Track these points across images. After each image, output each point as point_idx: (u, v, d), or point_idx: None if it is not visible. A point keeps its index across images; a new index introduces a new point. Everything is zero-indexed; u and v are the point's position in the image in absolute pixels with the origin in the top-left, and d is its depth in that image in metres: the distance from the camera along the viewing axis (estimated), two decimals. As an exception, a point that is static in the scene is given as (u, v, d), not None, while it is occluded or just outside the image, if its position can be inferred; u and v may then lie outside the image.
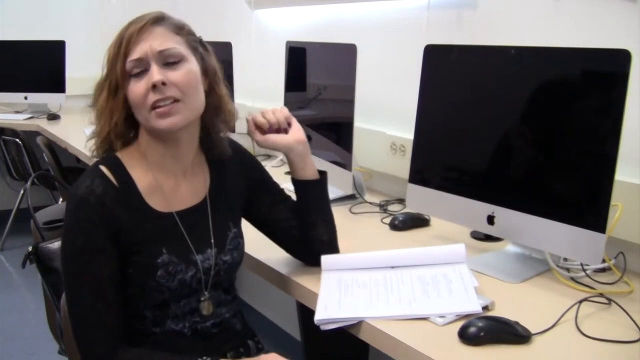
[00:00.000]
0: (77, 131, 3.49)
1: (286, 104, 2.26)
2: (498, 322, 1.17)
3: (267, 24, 2.96)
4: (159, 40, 1.19)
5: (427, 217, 1.83)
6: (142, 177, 1.24)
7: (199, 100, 1.24)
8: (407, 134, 1.90)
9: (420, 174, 1.68)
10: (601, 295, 1.32)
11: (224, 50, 2.48)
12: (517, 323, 1.16)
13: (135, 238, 1.20)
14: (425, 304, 1.24)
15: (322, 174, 1.43)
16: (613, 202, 1.27)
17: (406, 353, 1.13)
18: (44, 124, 3.82)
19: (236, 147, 1.40)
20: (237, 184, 1.38)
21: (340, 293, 1.31)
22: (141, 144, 1.26)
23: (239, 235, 1.36)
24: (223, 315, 1.31)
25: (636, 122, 1.39)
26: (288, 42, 2.35)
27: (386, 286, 1.32)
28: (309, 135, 2.17)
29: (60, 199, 3.36)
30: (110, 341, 1.17)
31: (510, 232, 1.48)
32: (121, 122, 1.22)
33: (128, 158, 1.25)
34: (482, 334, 1.13)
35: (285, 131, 1.40)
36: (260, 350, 1.37)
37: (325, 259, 1.41)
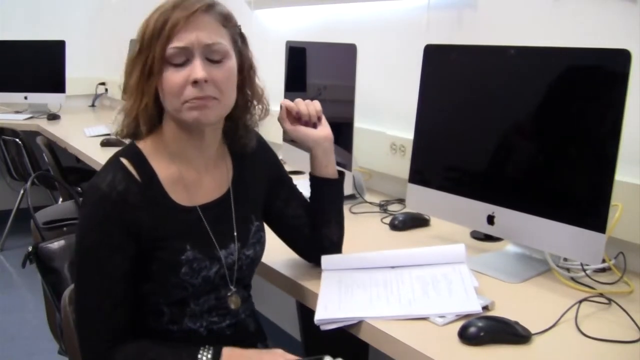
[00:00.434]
0: (77, 131, 3.50)
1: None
2: (498, 322, 1.17)
3: (267, 23, 2.96)
4: (206, 32, 1.14)
5: (427, 217, 1.83)
6: (164, 170, 1.21)
7: (233, 98, 1.21)
8: (407, 134, 1.90)
9: (420, 174, 1.68)
10: (601, 295, 1.32)
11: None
12: (517, 323, 1.16)
13: (158, 234, 1.18)
14: (425, 304, 1.24)
15: (341, 174, 1.43)
16: (613, 202, 1.27)
17: (406, 353, 1.13)
18: (43, 124, 3.82)
19: (261, 142, 1.39)
20: (259, 177, 1.36)
21: (340, 293, 1.31)
22: (165, 133, 1.23)
23: (261, 229, 1.35)
24: (239, 316, 1.30)
25: (636, 122, 1.39)
26: (288, 42, 2.35)
27: (386, 286, 1.32)
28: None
29: (60, 199, 3.36)
30: (110, 339, 1.16)
31: (510, 232, 1.48)
32: (152, 105, 1.17)
33: (150, 149, 1.22)
34: (482, 334, 1.13)
35: (314, 126, 1.39)
36: None
37: (325, 259, 1.41)
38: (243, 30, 1.26)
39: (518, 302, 1.30)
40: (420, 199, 1.68)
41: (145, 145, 1.22)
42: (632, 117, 1.28)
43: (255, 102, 1.29)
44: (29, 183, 1.77)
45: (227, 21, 1.20)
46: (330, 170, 1.41)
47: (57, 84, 4.08)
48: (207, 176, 1.27)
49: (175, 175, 1.22)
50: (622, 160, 1.25)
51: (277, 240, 1.45)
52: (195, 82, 1.13)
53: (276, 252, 1.47)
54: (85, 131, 3.45)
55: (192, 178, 1.24)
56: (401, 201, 2.00)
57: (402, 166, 1.95)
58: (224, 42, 1.17)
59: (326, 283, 1.35)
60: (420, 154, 1.68)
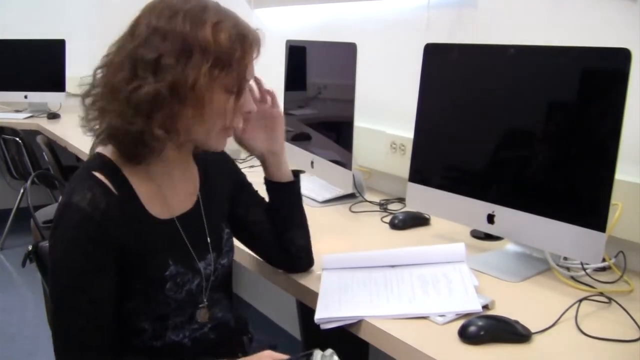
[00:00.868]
0: (77, 130, 3.47)
1: (286, 103, 2.27)
2: (498, 321, 1.17)
3: (267, 22, 2.96)
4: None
5: (427, 216, 1.83)
6: (139, 181, 1.15)
7: None
8: (407, 133, 1.90)
9: (420, 173, 1.68)
10: (601, 294, 1.32)
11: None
12: (517, 322, 1.16)
13: (139, 250, 1.12)
14: (425, 303, 1.24)
15: (296, 175, 1.39)
16: (613, 201, 1.27)
17: (406, 352, 1.13)
18: (43, 123, 3.81)
19: None
20: (222, 182, 1.32)
21: (340, 292, 1.31)
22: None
23: (231, 235, 1.31)
24: (217, 316, 1.26)
25: (636, 121, 1.39)
26: (288, 41, 2.35)
27: (386, 285, 1.32)
28: (309, 134, 2.18)
29: (60, 198, 3.36)
30: None
31: (510, 231, 1.48)
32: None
33: (120, 159, 1.14)
34: (482, 333, 1.13)
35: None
36: (251, 342, 1.36)
37: (326, 258, 1.41)
38: None
39: (518, 301, 1.30)
40: (421, 198, 1.68)
41: (112, 154, 1.14)
42: (632, 116, 1.28)
43: None
44: (29, 182, 1.77)
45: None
46: (283, 173, 1.37)
47: (57, 83, 4.07)
48: (180, 185, 1.22)
49: (150, 187, 1.16)
50: (622, 159, 1.25)
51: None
52: (248, 113, 1.16)
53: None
54: (86, 131, 3.44)
55: (167, 188, 1.19)
56: (401, 200, 2.00)
57: (402, 165, 1.95)
58: None
59: (326, 282, 1.35)
60: (420, 153, 1.68)
